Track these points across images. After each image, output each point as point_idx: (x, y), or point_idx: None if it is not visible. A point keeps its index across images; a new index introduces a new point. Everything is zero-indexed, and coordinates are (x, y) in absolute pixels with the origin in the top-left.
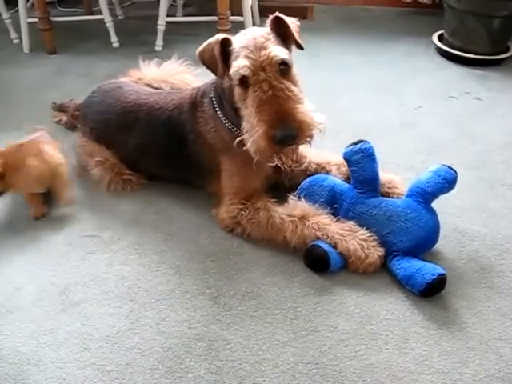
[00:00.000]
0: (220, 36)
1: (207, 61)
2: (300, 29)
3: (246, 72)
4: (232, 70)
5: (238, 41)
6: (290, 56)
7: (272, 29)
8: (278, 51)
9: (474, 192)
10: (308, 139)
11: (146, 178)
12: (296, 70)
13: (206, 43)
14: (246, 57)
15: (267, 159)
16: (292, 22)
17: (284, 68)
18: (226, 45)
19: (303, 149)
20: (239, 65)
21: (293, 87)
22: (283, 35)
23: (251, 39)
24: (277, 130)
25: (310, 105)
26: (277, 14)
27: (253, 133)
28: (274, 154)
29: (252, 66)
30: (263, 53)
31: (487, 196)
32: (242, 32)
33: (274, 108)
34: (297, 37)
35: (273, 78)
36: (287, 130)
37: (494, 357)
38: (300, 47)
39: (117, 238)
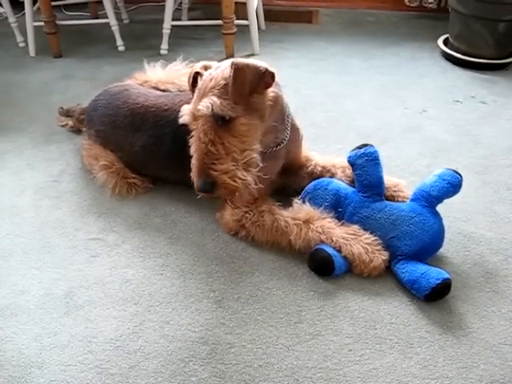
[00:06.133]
0: (195, 68)
1: (189, 86)
2: (266, 76)
3: (185, 120)
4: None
5: (203, 78)
6: (232, 108)
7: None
8: (207, 105)
9: (479, 196)
10: (232, 194)
11: (151, 182)
12: (249, 121)
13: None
14: (193, 103)
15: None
16: (247, 71)
17: (221, 121)
18: (198, 78)
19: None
20: (183, 112)
21: (227, 141)
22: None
23: (207, 81)
24: (196, 178)
25: (251, 153)
26: (234, 60)
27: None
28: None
29: (191, 114)
30: (201, 102)
31: (492, 200)
32: (217, 65)
33: (197, 158)
34: (238, 90)
35: (201, 130)
36: (201, 182)
37: (499, 362)
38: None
39: (121, 241)
